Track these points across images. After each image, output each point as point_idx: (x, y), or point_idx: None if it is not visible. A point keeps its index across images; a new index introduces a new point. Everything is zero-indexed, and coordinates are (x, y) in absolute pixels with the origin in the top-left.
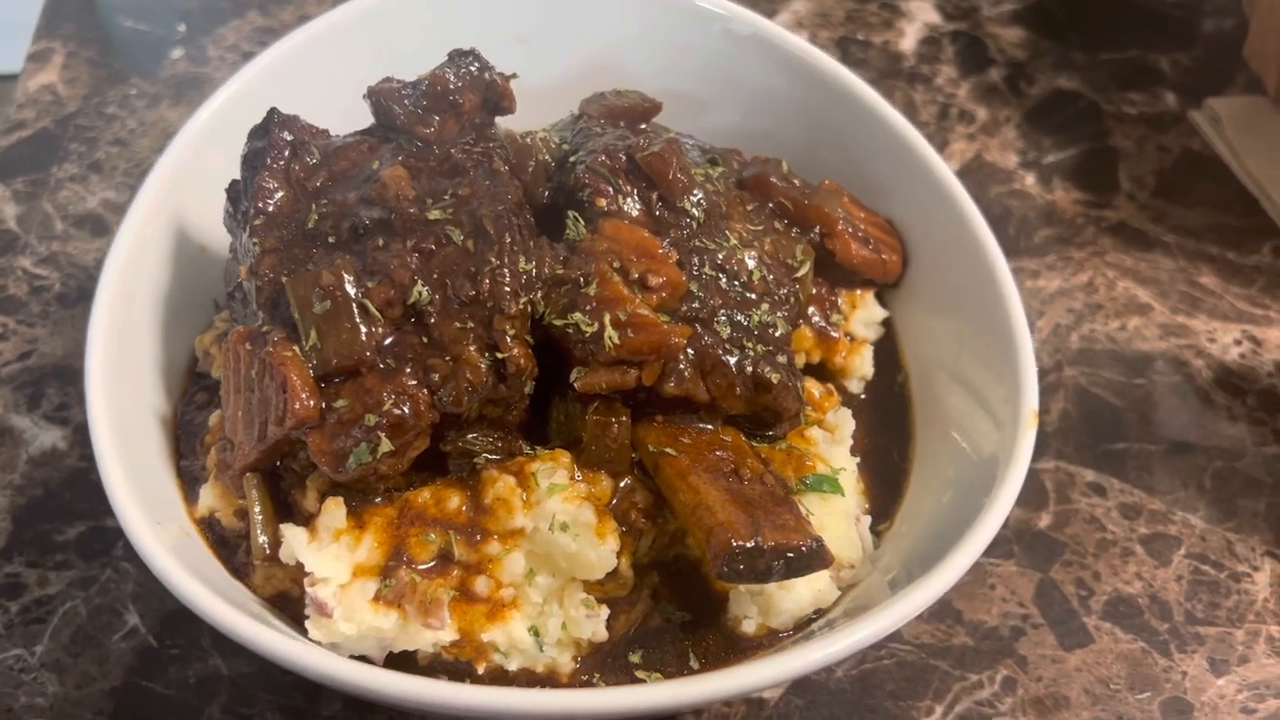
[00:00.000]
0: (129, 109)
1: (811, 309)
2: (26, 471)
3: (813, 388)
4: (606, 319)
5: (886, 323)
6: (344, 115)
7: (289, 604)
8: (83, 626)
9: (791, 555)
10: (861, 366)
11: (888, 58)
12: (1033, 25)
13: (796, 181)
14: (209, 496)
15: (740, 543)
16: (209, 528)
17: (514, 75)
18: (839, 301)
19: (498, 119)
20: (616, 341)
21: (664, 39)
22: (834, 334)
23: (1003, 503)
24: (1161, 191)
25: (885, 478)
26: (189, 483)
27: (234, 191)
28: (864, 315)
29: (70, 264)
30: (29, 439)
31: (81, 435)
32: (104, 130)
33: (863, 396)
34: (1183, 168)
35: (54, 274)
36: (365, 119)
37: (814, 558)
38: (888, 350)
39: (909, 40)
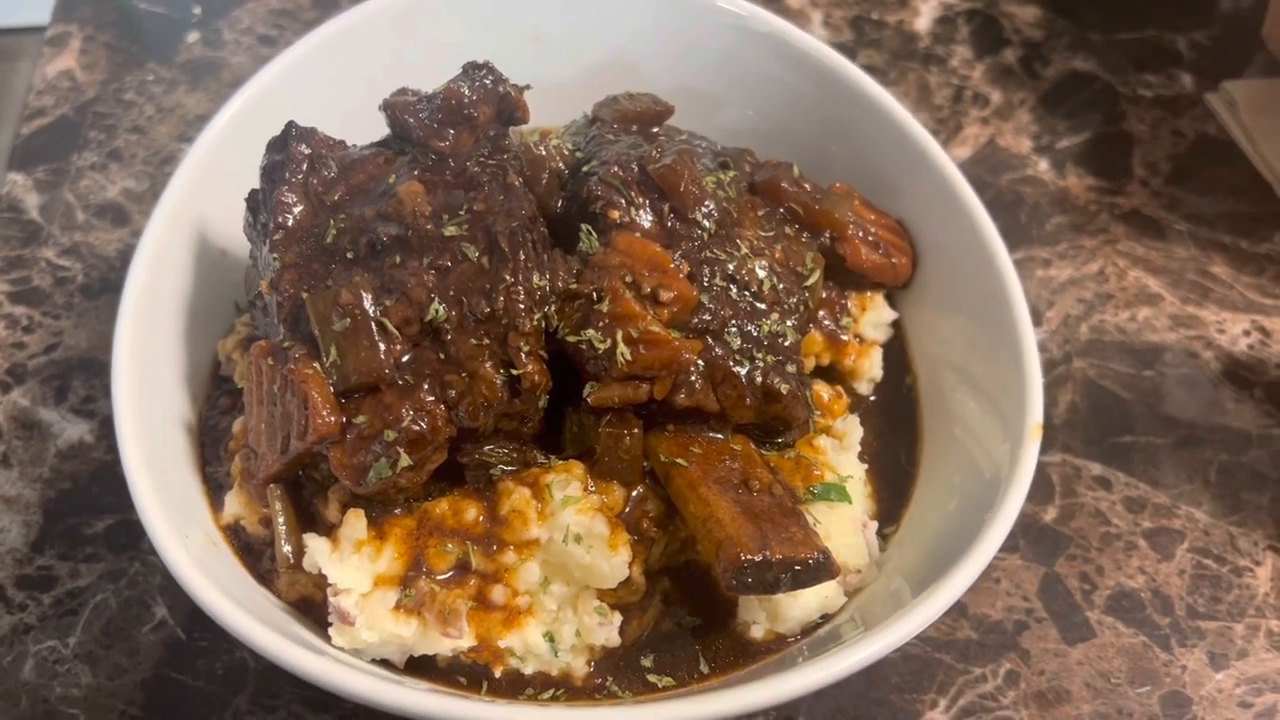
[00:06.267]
0: (147, 95)
1: (821, 312)
2: (55, 465)
3: (821, 390)
4: (619, 336)
5: (895, 324)
6: (362, 117)
7: (312, 608)
8: (113, 619)
9: (799, 568)
10: (871, 369)
11: (902, 38)
12: (1049, 3)
13: (807, 186)
14: (234, 504)
15: (749, 556)
16: (234, 534)
17: (527, 86)
18: (849, 304)
19: (511, 128)
20: (629, 358)
21: (678, 36)
22: (843, 336)
23: (1004, 520)
24: (1175, 178)
25: (893, 481)
26: (214, 489)
27: (253, 201)
28: (873, 317)
29: (93, 254)
30: (57, 432)
31: (108, 428)
32: (122, 117)
33: (872, 398)
34: (1197, 153)
35: (77, 265)
36: (380, 118)
37: (820, 570)
38: (896, 351)
39: (924, 20)
